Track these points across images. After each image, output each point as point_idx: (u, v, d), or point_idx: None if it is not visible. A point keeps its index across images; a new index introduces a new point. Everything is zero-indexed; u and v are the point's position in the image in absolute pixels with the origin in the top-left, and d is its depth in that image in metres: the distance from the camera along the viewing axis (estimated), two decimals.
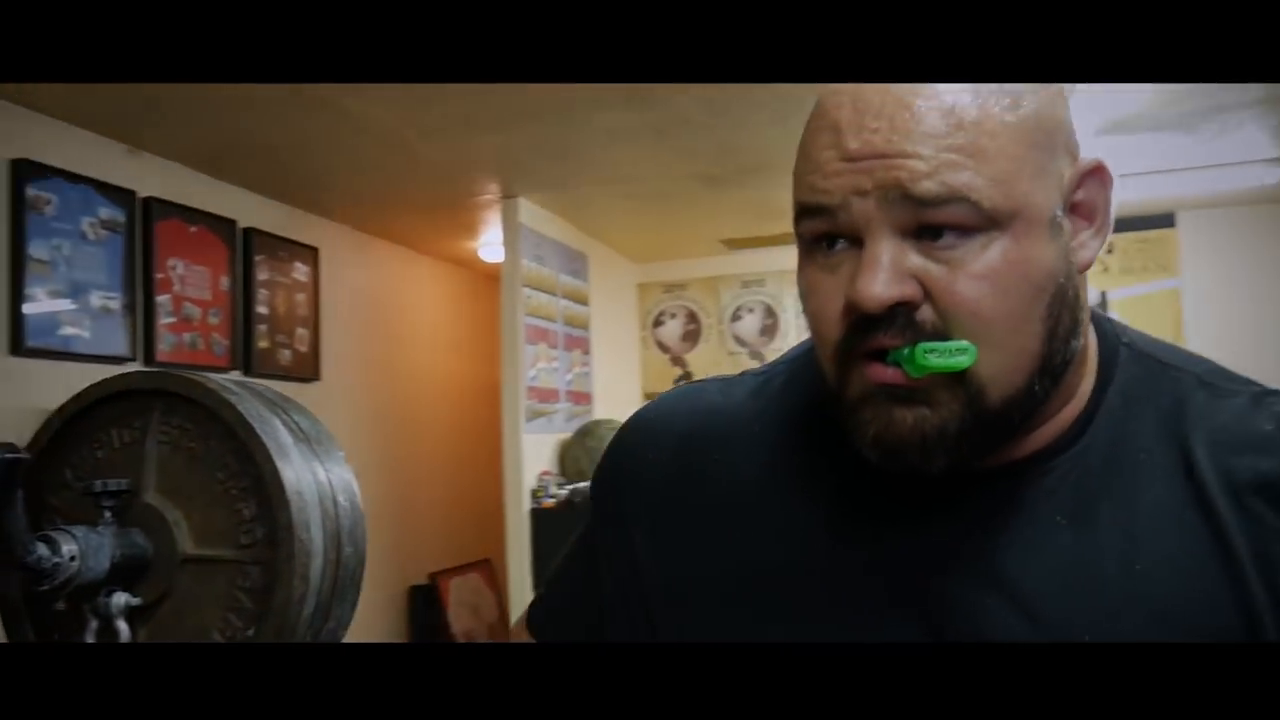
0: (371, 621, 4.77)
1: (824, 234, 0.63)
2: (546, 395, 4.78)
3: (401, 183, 4.28)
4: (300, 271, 4.47)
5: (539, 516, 4.46)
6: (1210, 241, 5.39)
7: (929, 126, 0.60)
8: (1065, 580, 0.60)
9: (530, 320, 4.64)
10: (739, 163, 4.18)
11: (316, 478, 0.95)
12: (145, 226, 3.62)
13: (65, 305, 3.28)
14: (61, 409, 1.05)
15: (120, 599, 0.91)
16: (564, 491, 4.56)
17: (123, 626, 0.90)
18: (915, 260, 0.60)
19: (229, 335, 4.01)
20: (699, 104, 3.47)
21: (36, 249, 3.16)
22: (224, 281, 4.00)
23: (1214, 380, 0.68)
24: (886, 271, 0.59)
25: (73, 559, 0.92)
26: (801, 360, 0.78)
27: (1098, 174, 0.68)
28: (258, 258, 4.17)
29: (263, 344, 4.19)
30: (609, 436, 4.13)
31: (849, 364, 0.63)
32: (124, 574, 0.91)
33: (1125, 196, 4.12)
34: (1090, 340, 0.69)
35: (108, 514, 0.94)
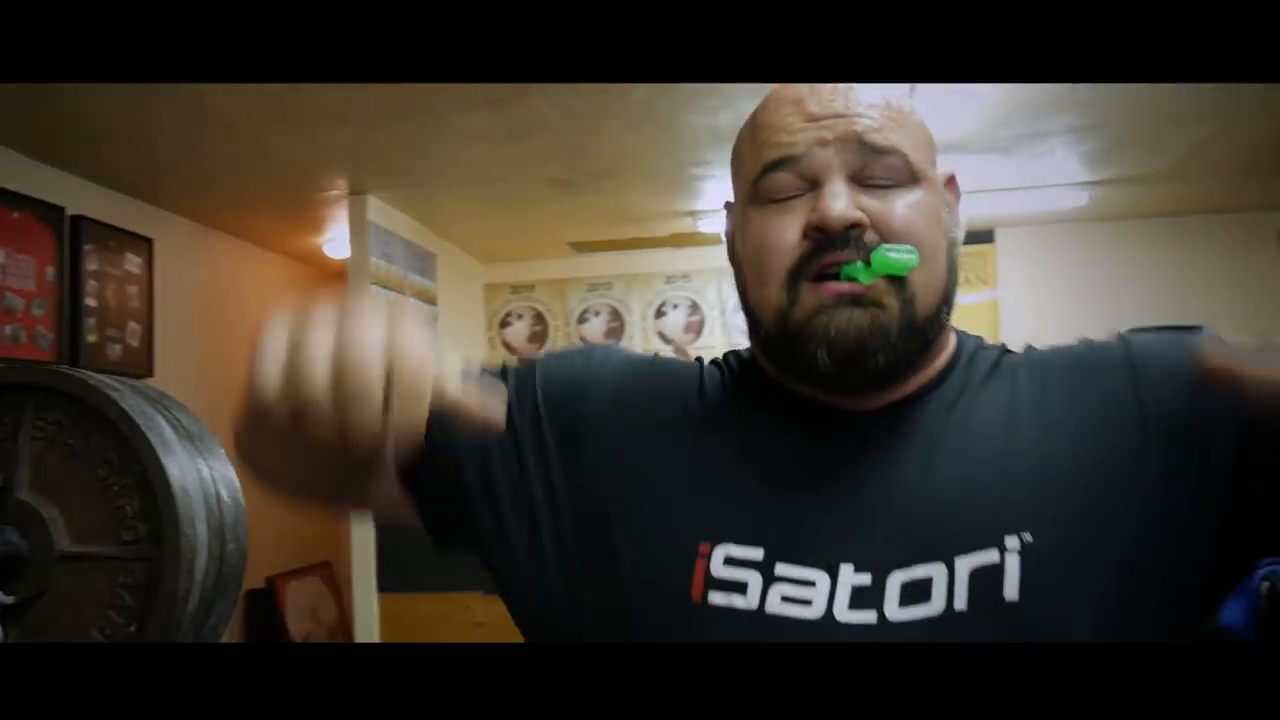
0: None
1: (786, 186, 0.77)
2: None
3: (245, 174, 4.15)
4: (133, 263, 4.27)
5: None
6: (1025, 257, 5.80)
7: (872, 98, 0.79)
8: (954, 463, 0.76)
9: None
10: (590, 168, 4.24)
11: (200, 474, 0.96)
12: None
13: None
14: None
15: None
16: None
17: None
18: (861, 198, 0.76)
19: (54, 328, 3.81)
20: (554, 108, 3.52)
21: None
22: (50, 272, 3.79)
23: (1010, 348, 0.89)
24: (846, 199, 0.75)
25: None
26: (720, 357, 0.92)
27: (953, 183, 0.86)
28: (87, 247, 3.97)
29: (91, 338, 3.99)
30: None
31: (798, 285, 0.76)
32: None
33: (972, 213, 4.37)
34: (947, 335, 0.88)
35: None
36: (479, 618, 4.22)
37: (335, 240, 5.16)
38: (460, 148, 3.90)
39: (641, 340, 6.07)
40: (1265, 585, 1.31)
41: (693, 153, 3.96)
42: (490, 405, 0.55)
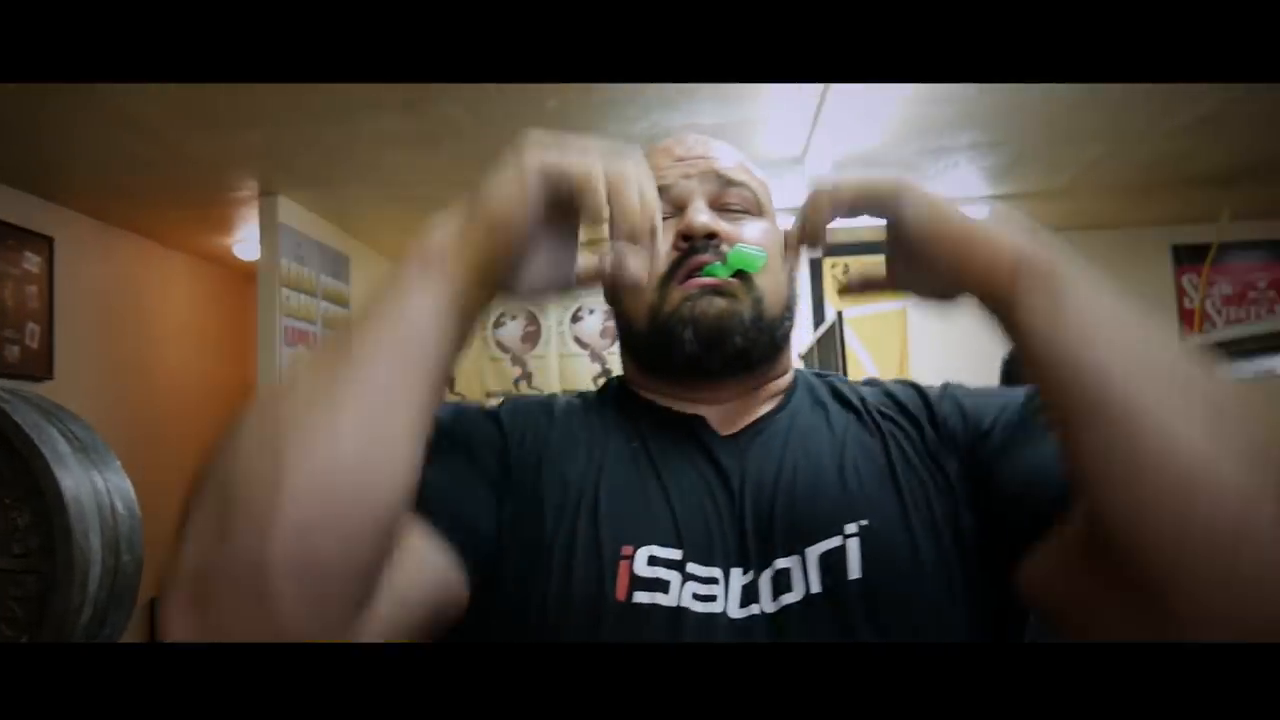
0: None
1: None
2: None
3: (150, 173, 4.06)
4: (31, 262, 4.15)
5: None
6: None
7: (729, 153, 0.97)
8: (804, 469, 0.87)
9: (289, 322, 4.52)
10: None
11: (94, 486, 0.96)
12: None
13: None
14: None
15: None
16: None
17: None
18: (719, 220, 0.91)
19: None
20: (469, 114, 3.52)
21: None
22: None
23: (839, 379, 1.02)
24: (707, 214, 0.91)
25: None
26: (591, 390, 1.02)
27: (788, 235, 0.96)
28: None
29: None
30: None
31: (668, 286, 0.89)
32: None
33: (861, 224, 4.46)
34: (790, 357, 1.00)
35: None
36: None
37: (245, 241, 5.08)
38: (373, 151, 3.87)
39: (558, 345, 6.10)
40: None
41: None
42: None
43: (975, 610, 0.81)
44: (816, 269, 6.04)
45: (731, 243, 0.90)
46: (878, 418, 0.93)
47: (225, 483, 0.59)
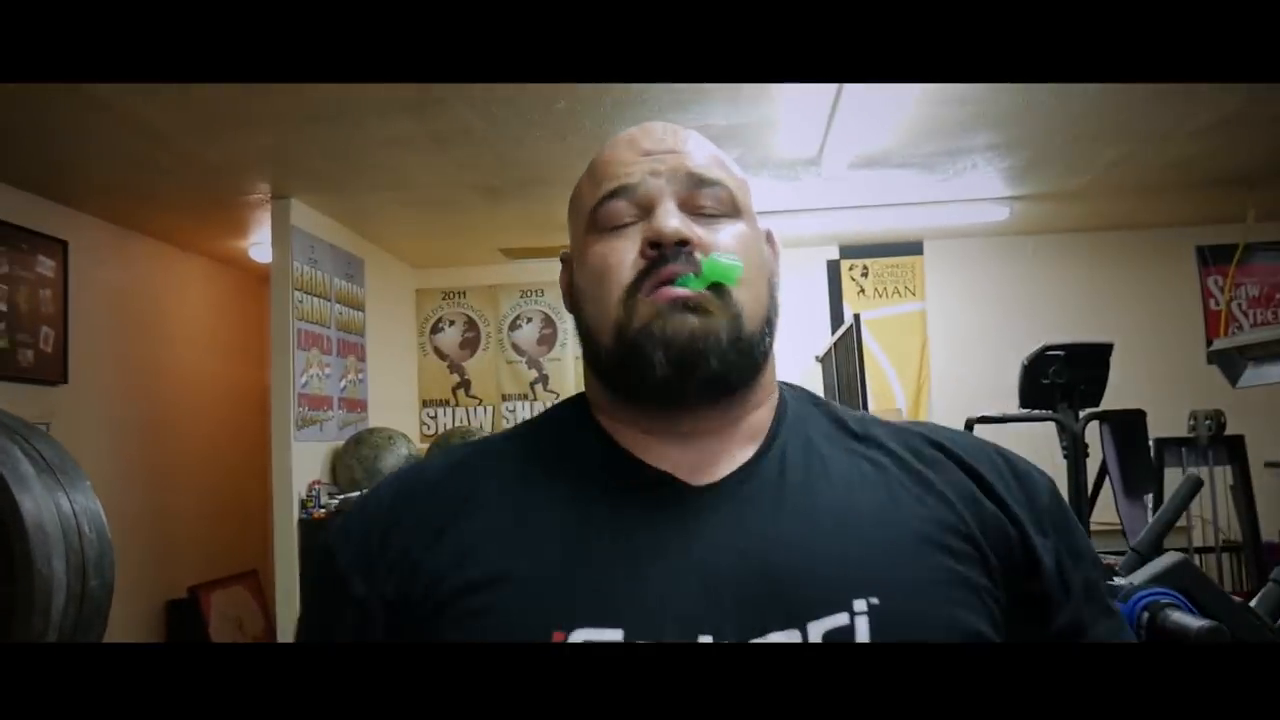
0: (124, 639, 4.49)
1: (622, 213, 0.82)
2: (318, 403, 4.66)
3: (162, 177, 4.06)
4: (46, 266, 4.16)
5: (309, 527, 4.34)
6: (951, 268, 5.90)
7: (702, 145, 0.87)
8: (798, 527, 0.77)
9: (302, 325, 4.51)
10: (518, 176, 4.23)
11: (60, 509, 0.93)
12: None
13: None
14: None
15: None
16: (335, 501, 4.46)
17: None
18: (691, 224, 0.82)
19: None
20: (479, 117, 3.50)
21: None
22: None
23: (841, 410, 0.91)
24: (678, 217, 0.81)
25: None
26: (544, 415, 0.92)
27: (771, 239, 0.90)
28: None
29: (0, 343, 3.87)
30: (383, 444, 4.09)
31: (635, 299, 0.80)
32: None
33: (879, 225, 4.41)
34: (773, 379, 0.89)
35: None
36: None
37: (260, 244, 5.08)
38: (383, 154, 3.86)
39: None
40: (1145, 615, 1.34)
41: None
42: None
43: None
44: (834, 270, 5.99)
45: (706, 250, 0.80)
46: (900, 471, 0.82)
47: None
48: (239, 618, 5.41)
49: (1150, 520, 1.76)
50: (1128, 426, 3.41)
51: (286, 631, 4.41)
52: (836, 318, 5.85)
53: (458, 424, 6.07)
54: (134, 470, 4.77)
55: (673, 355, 0.78)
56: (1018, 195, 4.90)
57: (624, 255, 0.81)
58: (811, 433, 0.86)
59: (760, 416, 0.85)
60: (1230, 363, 3.37)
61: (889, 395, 5.86)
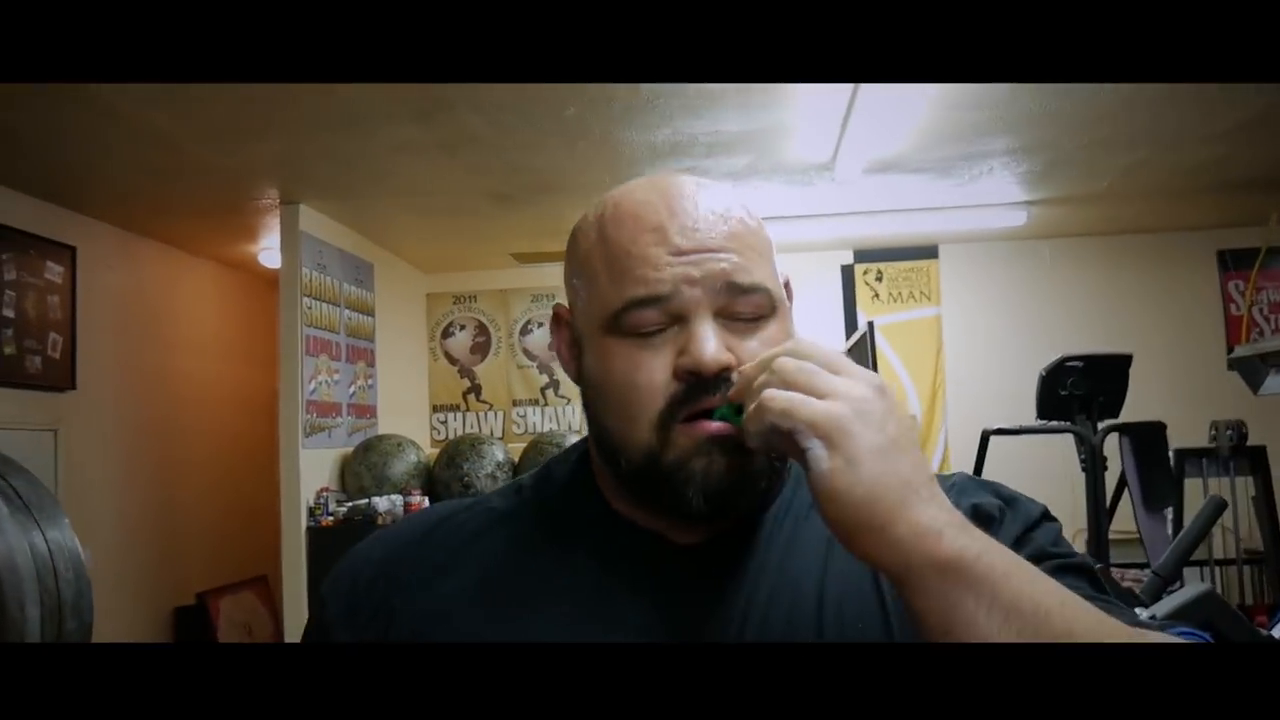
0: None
1: (651, 322, 0.74)
2: (327, 409, 4.63)
3: (170, 182, 4.04)
4: (54, 272, 4.15)
5: (317, 534, 4.31)
6: (967, 273, 5.83)
7: (736, 229, 0.76)
8: (780, 591, 0.76)
9: (311, 331, 4.48)
10: (528, 182, 4.19)
11: (34, 549, 0.89)
12: None
13: None
14: None
15: None
16: (344, 508, 4.43)
17: None
18: (727, 336, 0.75)
19: None
20: (487, 123, 3.46)
21: None
22: None
23: None
24: (716, 341, 0.73)
25: None
26: (543, 472, 0.88)
27: (788, 286, 0.83)
28: (4, 256, 3.85)
29: (8, 350, 3.86)
30: (392, 451, 4.05)
31: (670, 428, 0.74)
32: None
33: (894, 230, 4.36)
34: None
35: None
36: None
37: (270, 249, 5.05)
38: (392, 160, 3.82)
39: None
40: None
41: (631, 168, 3.92)
42: None
43: None
44: (848, 275, 5.93)
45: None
46: None
47: None
48: (248, 624, 5.39)
49: (1170, 536, 1.70)
50: (1147, 438, 3.35)
51: (295, 637, 4.38)
52: (850, 323, 5.79)
53: (468, 429, 6.03)
54: (142, 477, 4.75)
55: (710, 496, 0.73)
56: (1035, 199, 4.83)
57: (654, 374, 0.74)
58: (801, 496, 0.82)
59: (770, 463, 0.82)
60: (1252, 370, 3.30)
61: (904, 402, 5.80)
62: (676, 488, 0.74)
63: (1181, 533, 1.74)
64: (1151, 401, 3.75)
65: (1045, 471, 4.88)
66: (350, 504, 4.46)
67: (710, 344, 0.72)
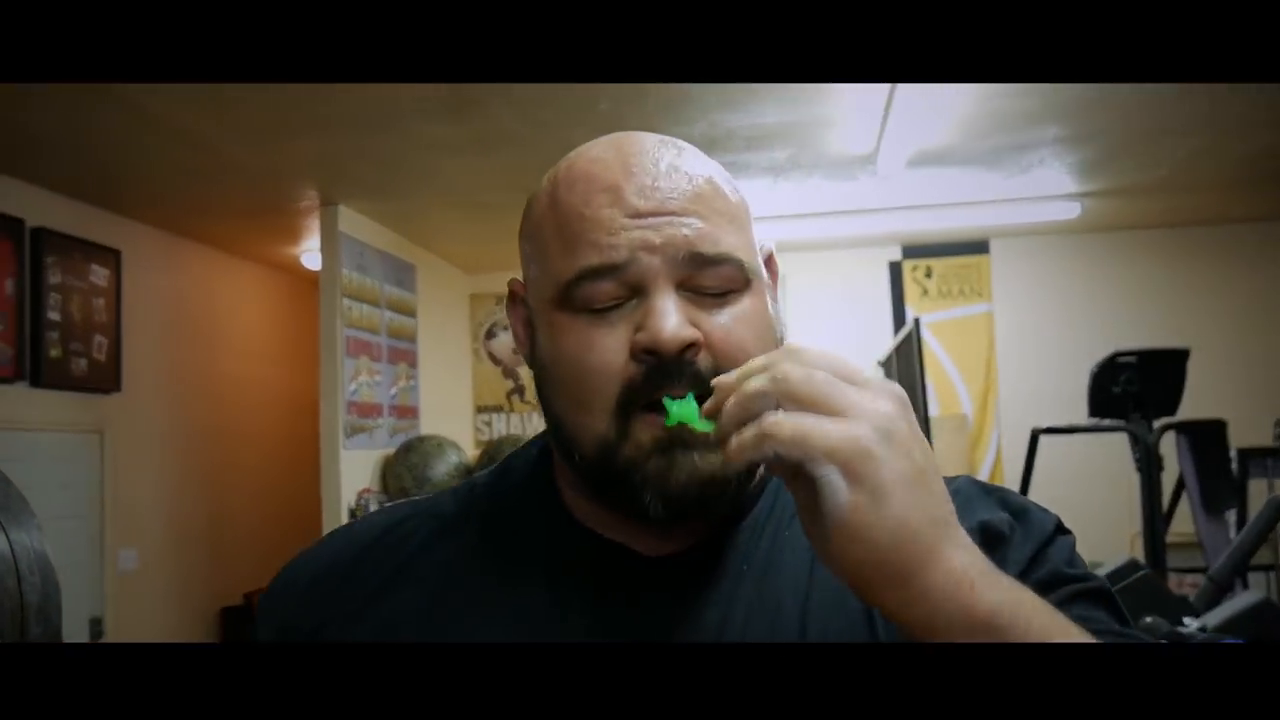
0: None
1: (605, 295, 0.65)
2: (368, 410, 4.62)
3: (212, 184, 4.06)
4: (99, 275, 4.19)
5: None
6: (1019, 268, 5.67)
7: (702, 190, 0.67)
8: (757, 612, 0.67)
9: (352, 332, 4.48)
10: None
11: None
12: None
13: None
14: None
15: None
16: None
17: None
18: (692, 310, 0.65)
19: (14, 343, 3.72)
20: (521, 121, 3.42)
21: None
22: (9, 285, 3.71)
23: None
24: (678, 316, 0.64)
25: None
26: (501, 468, 0.79)
27: (770, 259, 0.75)
28: (49, 260, 3.89)
29: (54, 352, 3.90)
30: (433, 452, 4.01)
31: (629, 417, 0.65)
32: None
33: (943, 225, 4.24)
34: None
35: None
36: None
37: (312, 251, 5.06)
38: (427, 158, 3.80)
39: None
40: None
41: None
42: None
43: None
44: (896, 272, 5.80)
45: (714, 350, 0.65)
46: None
47: None
48: None
49: (1233, 540, 1.60)
50: (1206, 437, 3.21)
51: None
52: (899, 321, 5.67)
53: (511, 430, 6.01)
54: (187, 478, 4.79)
55: (670, 500, 0.64)
56: (1089, 191, 4.68)
57: (610, 354, 0.65)
58: (784, 502, 0.73)
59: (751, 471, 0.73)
60: None
61: (954, 401, 5.66)
62: (632, 489, 0.65)
63: (1239, 537, 1.63)
64: (1212, 402, 3.60)
65: (1099, 472, 4.75)
66: (391, 505, 4.45)
67: (671, 319, 0.63)
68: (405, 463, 4.66)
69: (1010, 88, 3.29)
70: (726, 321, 0.65)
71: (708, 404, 0.57)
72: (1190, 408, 3.29)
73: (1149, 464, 3.03)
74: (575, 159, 0.70)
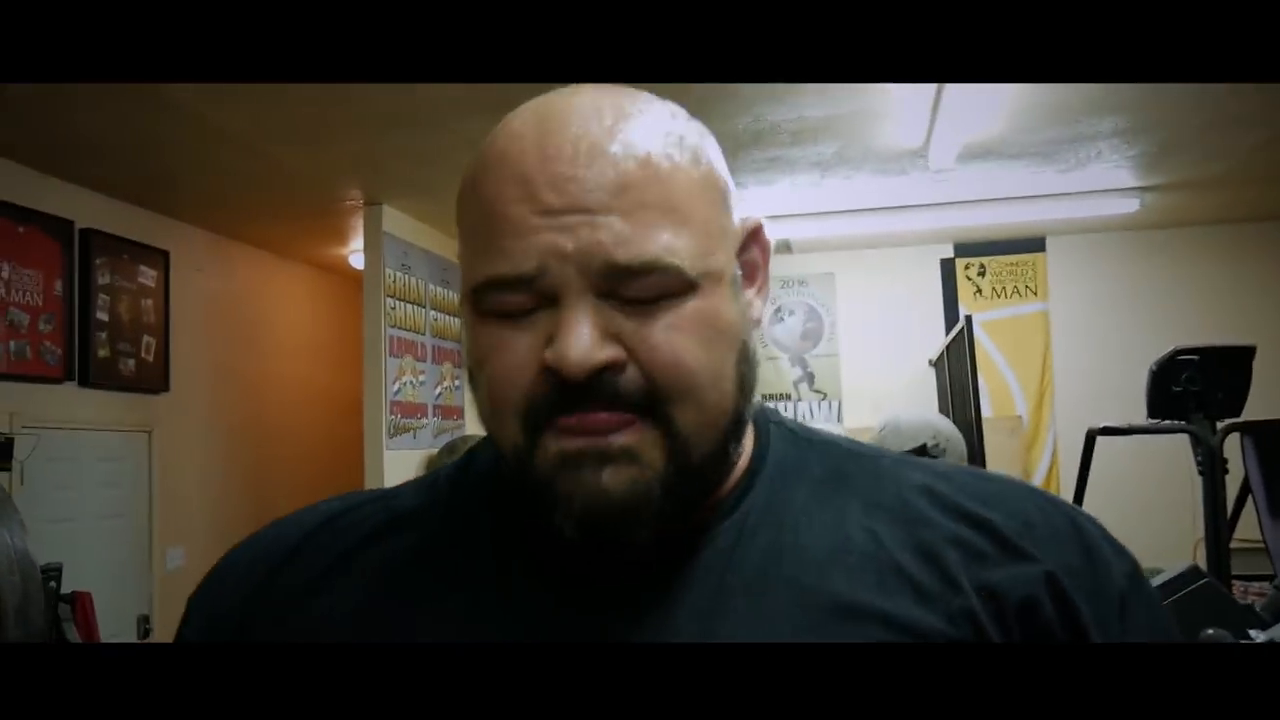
0: None
1: (515, 304, 0.58)
2: (412, 410, 4.62)
3: (258, 186, 4.09)
4: (147, 276, 4.23)
5: None
6: (1076, 266, 5.52)
7: (626, 176, 0.57)
8: (744, 622, 0.60)
9: (395, 332, 4.48)
10: None
11: None
12: None
13: None
14: None
15: None
16: None
17: None
18: (616, 320, 0.57)
19: (63, 343, 3.76)
20: None
21: None
22: (58, 286, 3.75)
23: (858, 449, 0.70)
24: (591, 334, 0.56)
25: None
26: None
27: (758, 235, 0.66)
28: (98, 261, 3.93)
29: (102, 353, 3.94)
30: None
31: (540, 429, 0.58)
32: None
33: (997, 221, 4.11)
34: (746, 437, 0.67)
35: None
36: None
37: (359, 251, 5.07)
38: (467, 155, 3.77)
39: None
40: None
41: None
42: None
43: None
44: (949, 270, 5.67)
45: (643, 363, 0.57)
46: (908, 552, 0.60)
47: None
48: None
49: None
50: (1274, 439, 3.06)
51: None
52: (951, 319, 5.54)
53: None
54: (235, 478, 4.82)
55: (586, 527, 0.58)
56: (1149, 185, 4.52)
57: (517, 364, 0.58)
58: (794, 490, 0.65)
59: (722, 486, 0.65)
60: None
61: (1009, 402, 5.52)
62: (547, 509, 0.59)
63: None
64: (1277, 400, 3.44)
65: (1159, 476, 4.59)
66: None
67: (580, 340, 0.55)
68: (448, 462, 4.65)
69: None
70: (659, 332, 0.57)
71: None
72: (1255, 409, 3.14)
73: (1212, 467, 2.89)
74: (497, 133, 0.62)
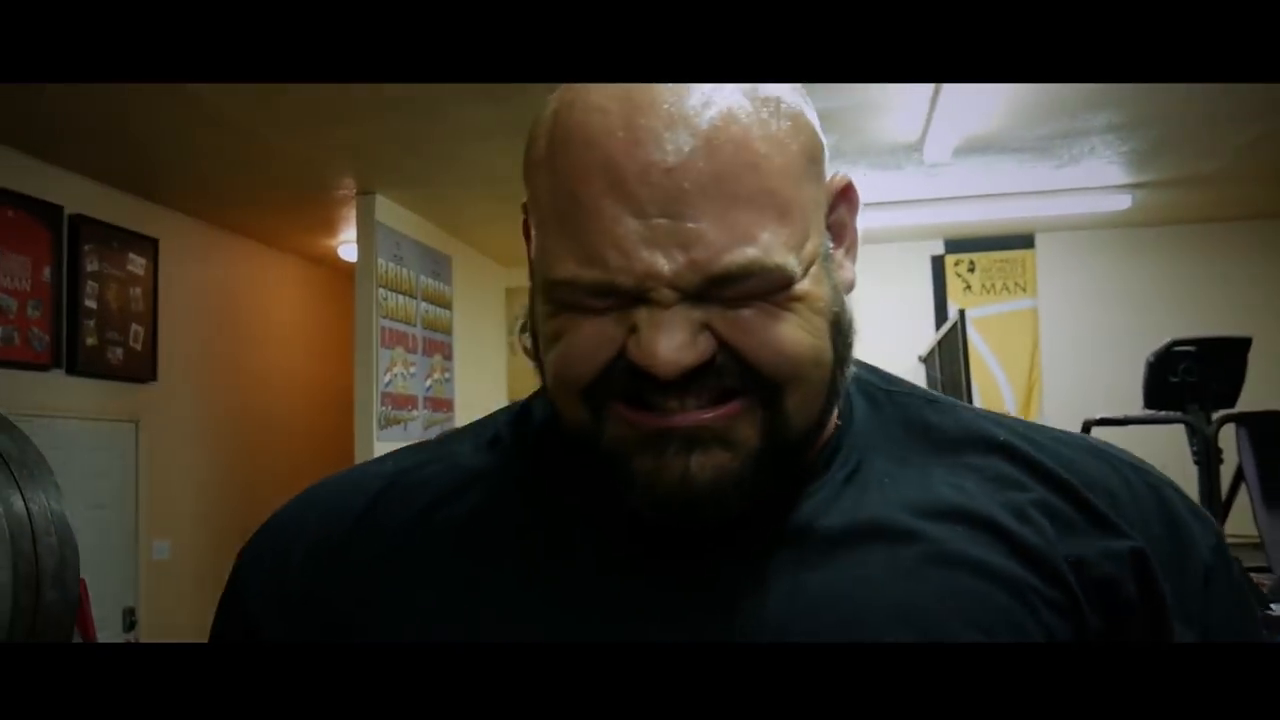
0: None
1: (597, 305, 0.55)
2: (403, 401, 4.59)
3: (250, 174, 4.05)
4: (136, 264, 4.18)
5: None
6: (1066, 263, 5.54)
7: (723, 164, 0.52)
8: (838, 596, 0.57)
9: (387, 323, 4.45)
10: None
11: (10, 510, 0.79)
12: None
13: None
14: None
15: None
16: None
17: None
18: (709, 313, 0.54)
19: (50, 330, 3.71)
20: None
21: None
22: (46, 272, 3.70)
23: (936, 397, 0.69)
24: (682, 335, 0.52)
25: None
26: (522, 411, 0.70)
27: (847, 193, 0.63)
28: (86, 247, 3.88)
29: (90, 340, 3.89)
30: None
31: (606, 404, 0.55)
32: None
33: (987, 217, 4.14)
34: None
35: None
36: None
37: (350, 243, 5.04)
38: (465, 147, 3.76)
39: None
40: None
41: None
42: None
43: None
44: (939, 267, 5.69)
45: (741, 357, 0.54)
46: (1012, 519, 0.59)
47: None
48: None
49: None
50: (1268, 430, 3.09)
51: None
52: (941, 316, 5.56)
53: None
54: (223, 468, 4.78)
55: (665, 511, 0.56)
56: (1141, 182, 4.55)
57: (597, 344, 0.54)
58: (880, 443, 0.64)
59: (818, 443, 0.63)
60: None
61: (997, 398, 5.54)
62: (620, 486, 0.56)
63: None
64: (1273, 395, 3.48)
65: (1154, 465, 4.61)
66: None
67: (671, 338, 0.52)
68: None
69: None
70: (756, 323, 0.54)
71: None
72: (1250, 400, 3.17)
73: (1207, 457, 2.92)
74: (573, 102, 0.55)
